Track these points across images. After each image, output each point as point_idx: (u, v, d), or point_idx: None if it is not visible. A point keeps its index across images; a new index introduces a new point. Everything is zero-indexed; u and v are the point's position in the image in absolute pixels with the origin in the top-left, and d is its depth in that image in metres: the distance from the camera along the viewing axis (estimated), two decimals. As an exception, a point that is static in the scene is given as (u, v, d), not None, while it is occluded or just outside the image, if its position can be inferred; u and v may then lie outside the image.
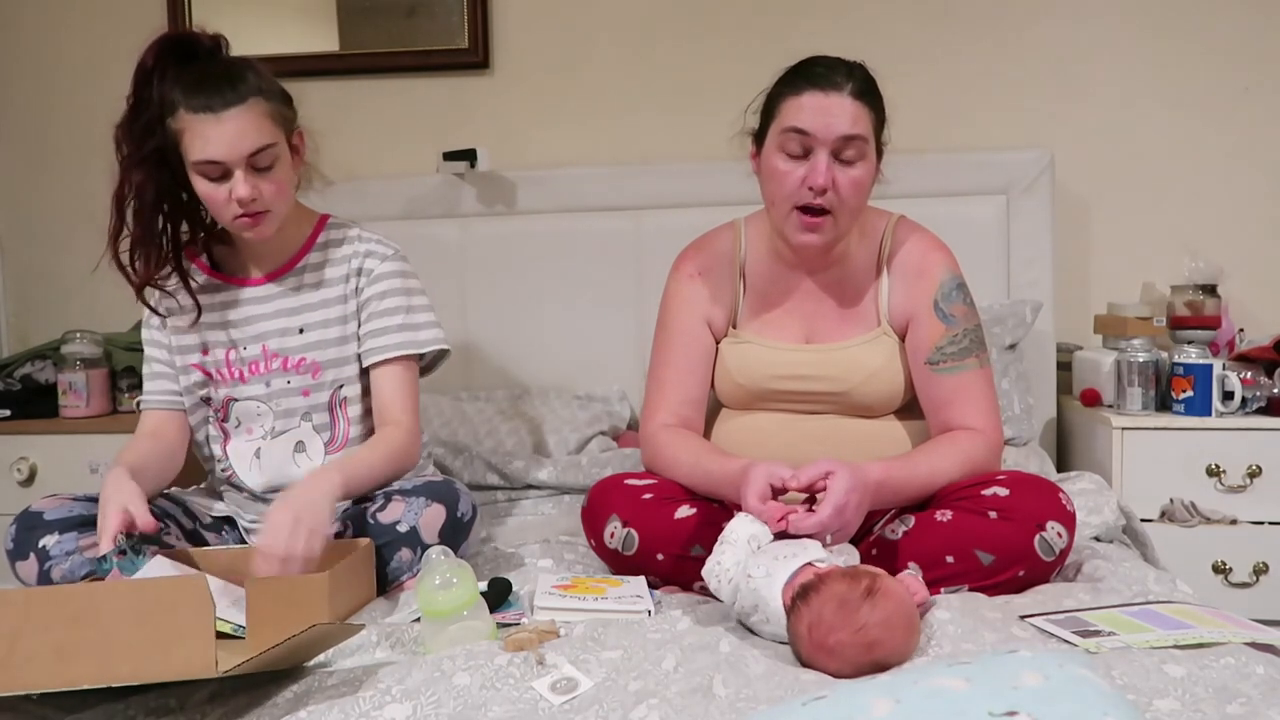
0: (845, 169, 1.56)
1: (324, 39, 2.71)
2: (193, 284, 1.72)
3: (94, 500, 1.62)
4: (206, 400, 1.74)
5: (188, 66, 1.59)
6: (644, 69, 2.65)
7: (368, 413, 1.74)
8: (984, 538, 1.45)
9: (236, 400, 1.73)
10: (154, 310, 1.74)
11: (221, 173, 1.57)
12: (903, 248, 1.68)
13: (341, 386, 1.72)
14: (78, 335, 2.50)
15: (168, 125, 1.58)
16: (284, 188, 1.63)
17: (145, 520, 1.50)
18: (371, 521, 1.58)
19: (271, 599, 1.34)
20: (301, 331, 1.72)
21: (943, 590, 1.44)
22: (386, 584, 1.57)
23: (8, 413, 2.46)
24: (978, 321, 1.67)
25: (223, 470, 1.75)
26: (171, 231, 1.70)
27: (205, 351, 1.74)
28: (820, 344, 1.68)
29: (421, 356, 1.75)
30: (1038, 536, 1.44)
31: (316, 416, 1.72)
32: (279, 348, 1.71)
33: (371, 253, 1.74)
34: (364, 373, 1.74)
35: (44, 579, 1.54)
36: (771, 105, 1.62)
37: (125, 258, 1.67)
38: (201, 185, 1.59)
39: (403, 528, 1.57)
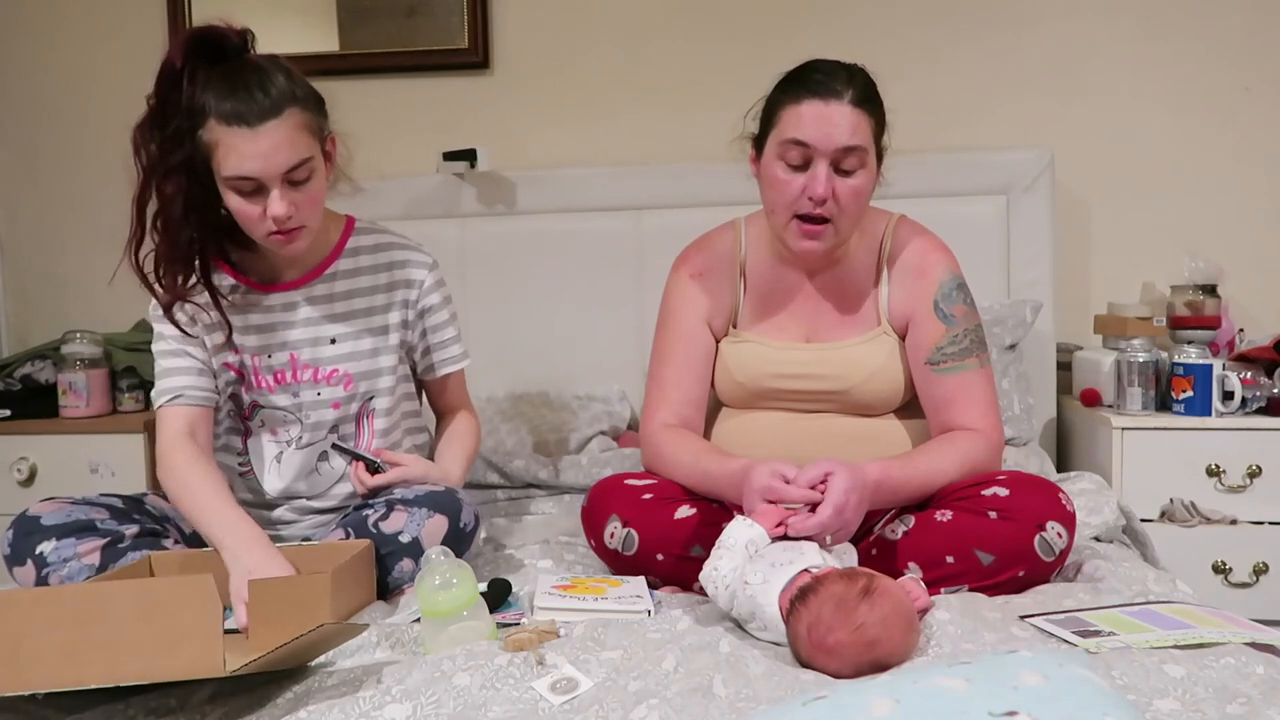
0: (845, 178, 1.56)
1: (324, 39, 2.71)
2: (220, 296, 1.63)
3: (92, 504, 1.59)
4: (233, 397, 1.70)
5: (217, 68, 1.49)
6: (644, 69, 2.65)
7: (391, 428, 1.73)
8: (984, 538, 1.45)
9: (262, 408, 1.69)
10: (185, 333, 1.62)
11: (255, 188, 1.49)
12: (903, 248, 1.68)
13: (372, 398, 1.70)
14: (78, 335, 2.50)
15: (199, 136, 1.48)
16: (318, 201, 1.57)
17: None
18: (374, 531, 1.56)
19: (273, 599, 1.34)
20: (334, 342, 1.68)
21: (943, 590, 1.44)
22: (387, 593, 1.56)
23: (8, 413, 2.46)
24: (978, 321, 1.67)
25: (241, 465, 1.72)
26: (200, 246, 1.60)
27: (236, 351, 1.68)
28: (820, 343, 1.69)
29: None
30: (1038, 537, 1.44)
31: (343, 428, 1.70)
32: (310, 358, 1.67)
33: (415, 262, 1.73)
34: (395, 385, 1.72)
35: (41, 585, 1.52)
36: (771, 112, 1.61)
37: (148, 268, 1.57)
38: (234, 201, 1.51)
39: (405, 538, 1.55)
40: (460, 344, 1.81)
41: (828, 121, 1.53)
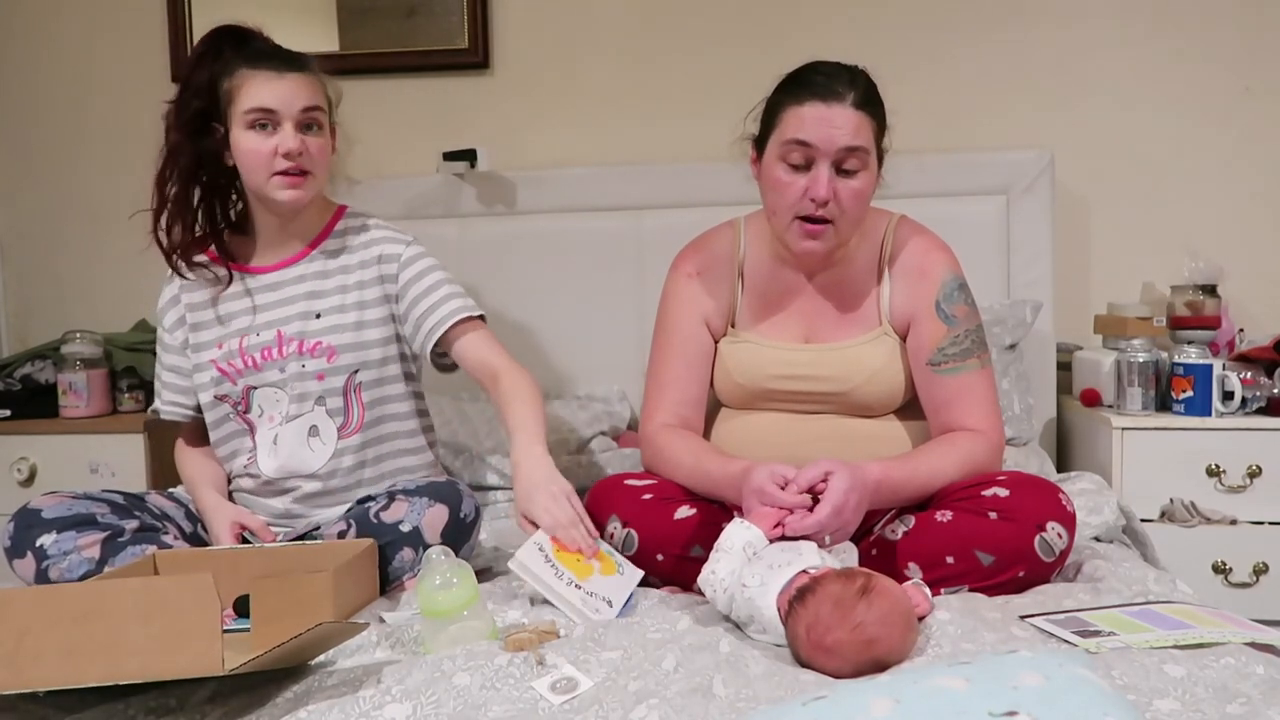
0: (846, 180, 1.56)
1: (324, 39, 2.71)
2: (210, 273, 1.75)
3: (93, 499, 1.63)
4: (222, 398, 1.74)
5: (247, 44, 1.67)
6: (644, 69, 2.65)
7: (384, 399, 1.75)
8: (984, 538, 1.45)
9: (255, 388, 1.73)
10: (181, 275, 1.75)
11: (270, 122, 1.62)
12: (904, 248, 1.68)
13: (357, 371, 1.72)
14: (78, 335, 2.50)
15: (220, 87, 1.64)
16: (324, 155, 1.68)
17: (259, 526, 1.69)
18: (374, 521, 1.58)
19: (276, 598, 1.34)
20: (319, 316, 1.72)
21: (943, 590, 1.44)
22: (388, 583, 1.57)
23: (8, 413, 2.46)
24: (979, 322, 1.67)
25: (247, 459, 1.74)
26: (205, 204, 1.74)
27: (220, 345, 1.74)
28: (820, 344, 1.69)
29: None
30: (1038, 537, 1.44)
31: (330, 401, 1.72)
32: (297, 332, 1.72)
33: (392, 239, 1.77)
34: (386, 359, 1.74)
35: (41, 578, 1.54)
36: (772, 113, 1.61)
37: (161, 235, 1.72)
38: (247, 140, 1.63)
39: (405, 527, 1.57)
40: (462, 299, 1.75)
41: (830, 123, 1.53)
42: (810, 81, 1.57)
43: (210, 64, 1.65)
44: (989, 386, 1.64)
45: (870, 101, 1.58)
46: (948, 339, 1.62)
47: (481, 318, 1.76)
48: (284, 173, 1.63)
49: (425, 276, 1.74)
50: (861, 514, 1.42)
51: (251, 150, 1.63)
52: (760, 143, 1.65)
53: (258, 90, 1.61)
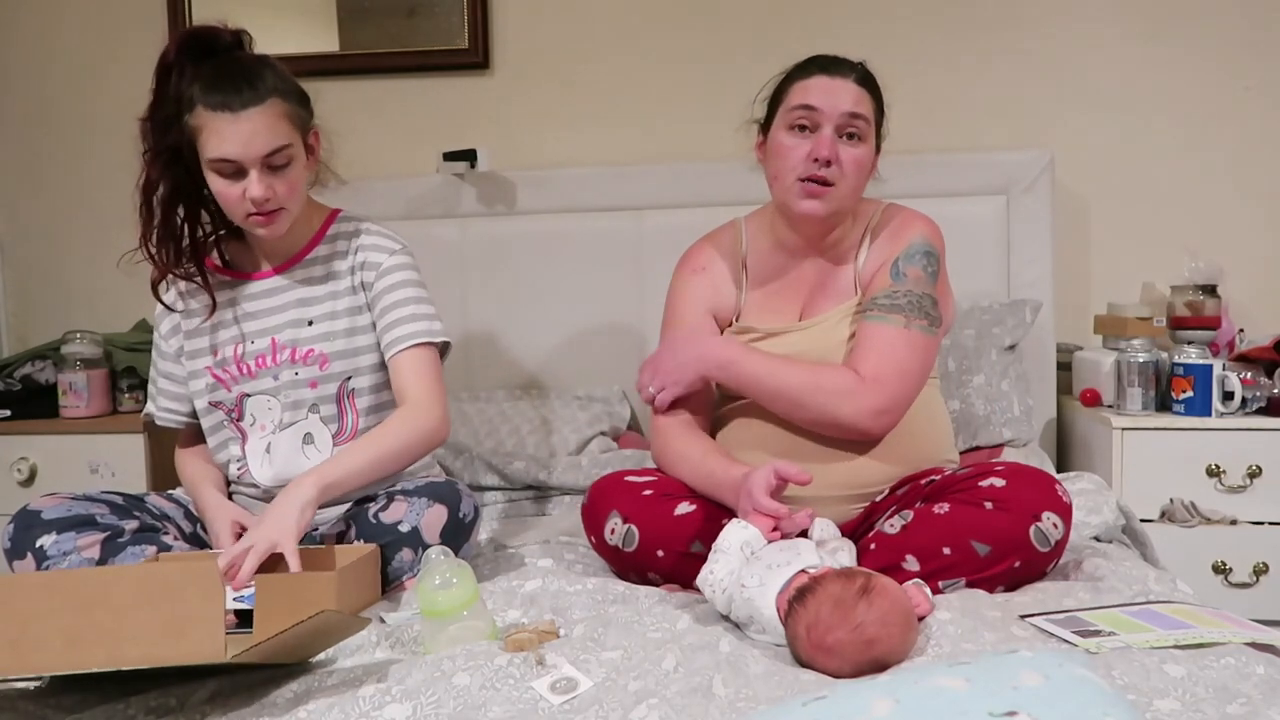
0: (848, 146, 1.63)
1: (324, 39, 2.71)
2: (209, 275, 1.73)
3: (93, 500, 1.62)
4: (217, 404, 1.74)
5: (205, 63, 1.59)
6: (644, 69, 2.65)
7: (379, 405, 1.74)
8: (980, 528, 1.45)
9: (249, 396, 1.72)
10: (166, 306, 1.75)
11: (236, 170, 1.57)
12: (889, 222, 1.72)
13: (350, 378, 1.71)
14: (78, 335, 2.50)
15: (185, 122, 1.58)
16: (297, 187, 1.64)
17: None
18: (373, 521, 1.58)
19: (279, 597, 1.34)
20: (311, 324, 1.72)
21: (940, 583, 1.45)
22: (387, 584, 1.57)
23: (8, 413, 2.46)
24: (930, 292, 1.65)
25: (238, 469, 1.74)
26: (190, 228, 1.70)
27: (215, 353, 1.73)
28: (808, 319, 1.71)
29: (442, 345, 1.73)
30: (1033, 527, 1.45)
31: (324, 408, 1.71)
32: (289, 340, 1.71)
33: (377, 246, 1.74)
34: (379, 365, 1.73)
35: None
36: (779, 94, 1.69)
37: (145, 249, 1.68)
38: (216, 183, 1.59)
39: (404, 528, 1.57)
40: (415, 324, 1.70)
41: (833, 91, 1.63)
42: (816, 61, 1.68)
43: (174, 79, 1.58)
44: (900, 347, 1.59)
45: (869, 83, 1.67)
46: (885, 291, 1.64)
47: (440, 344, 1.72)
48: (255, 214, 1.60)
49: (396, 290, 1.71)
50: (692, 356, 1.63)
51: (221, 193, 1.60)
52: (766, 125, 1.70)
53: (218, 139, 1.54)
